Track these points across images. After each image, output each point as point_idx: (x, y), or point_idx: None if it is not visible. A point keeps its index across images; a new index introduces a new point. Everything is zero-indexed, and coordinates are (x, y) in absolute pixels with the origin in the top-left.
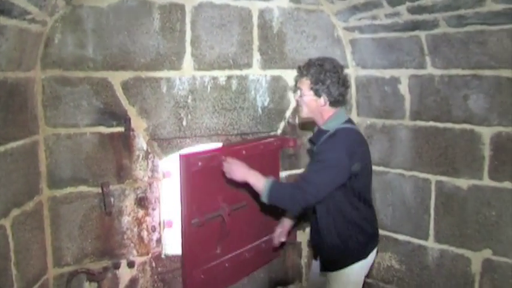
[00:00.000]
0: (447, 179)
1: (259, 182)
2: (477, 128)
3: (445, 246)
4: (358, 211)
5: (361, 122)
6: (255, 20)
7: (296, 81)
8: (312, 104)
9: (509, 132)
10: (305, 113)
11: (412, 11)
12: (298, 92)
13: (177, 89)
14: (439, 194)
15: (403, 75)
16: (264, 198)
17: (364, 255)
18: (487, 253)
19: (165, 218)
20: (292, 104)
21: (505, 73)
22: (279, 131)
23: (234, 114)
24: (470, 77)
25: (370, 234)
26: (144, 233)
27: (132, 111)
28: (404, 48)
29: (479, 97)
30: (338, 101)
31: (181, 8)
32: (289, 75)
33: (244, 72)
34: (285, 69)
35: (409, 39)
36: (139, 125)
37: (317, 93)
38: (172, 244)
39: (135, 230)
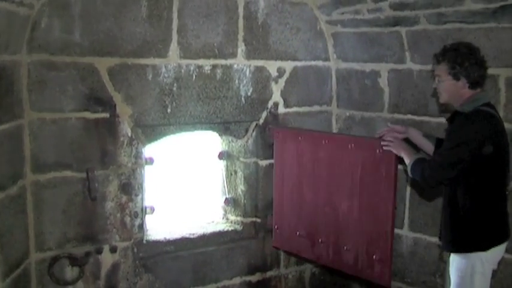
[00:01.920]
0: None
1: (409, 157)
2: None
3: (418, 235)
4: (492, 196)
5: (341, 113)
6: (241, 11)
7: (433, 70)
8: (451, 89)
9: None
10: (444, 98)
11: (394, 7)
12: (437, 79)
13: (163, 76)
14: (414, 184)
15: (383, 69)
16: (409, 173)
17: (487, 246)
18: None
19: (147, 204)
20: (275, 94)
21: None
22: (261, 121)
23: (218, 103)
24: None
25: (500, 222)
26: (127, 219)
27: (117, 98)
28: (385, 43)
29: None
30: (477, 82)
31: None
32: (273, 66)
33: (228, 61)
34: (268, 60)
35: (390, 34)
36: (124, 111)
37: (456, 77)
38: (155, 230)
39: (118, 215)
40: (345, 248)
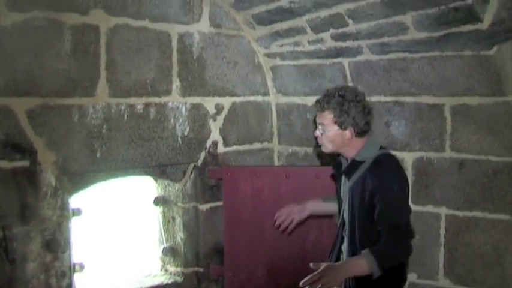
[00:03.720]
0: None
1: (359, 267)
2: (400, 154)
3: None
4: None
5: (283, 150)
6: (175, 45)
7: (315, 117)
8: (336, 139)
9: (430, 157)
10: (329, 148)
11: (336, 38)
12: (320, 127)
13: (90, 117)
14: None
15: None
16: (377, 273)
17: (404, 281)
18: (413, 277)
19: (76, 261)
20: (214, 133)
21: (425, 99)
22: (200, 162)
23: (153, 145)
24: (392, 104)
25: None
26: (53, 280)
27: (38, 143)
28: (326, 75)
29: (401, 123)
30: (365, 131)
31: (96, 29)
32: (210, 103)
33: (163, 99)
34: (205, 96)
35: (331, 66)
36: (47, 158)
37: (342, 126)
38: None
39: (42, 277)
40: None
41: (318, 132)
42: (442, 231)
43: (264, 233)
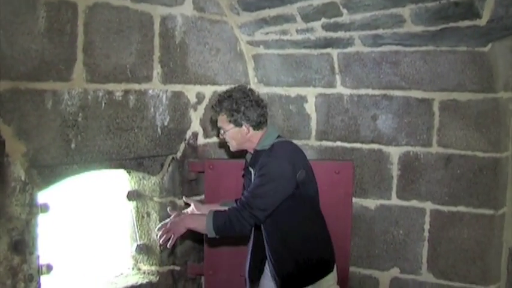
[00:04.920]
0: (355, 199)
1: (200, 221)
2: (385, 148)
3: (352, 268)
4: (311, 221)
5: None
6: (157, 28)
7: (216, 122)
8: (237, 136)
9: (416, 152)
10: (234, 147)
11: (327, 27)
12: (221, 130)
13: (65, 104)
14: None
15: (310, 93)
16: (212, 233)
17: (331, 267)
18: (395, 272)
19: (42, 262)
20: (194, 123)
21: (414, 94)
22: (179, 154)
23: (131, 135)
24: (380, 97)
25: (329, 244)
26: (20, 285)
27: (7, 132)
28: (313, 66)
29: (388, 117)
30: (260, 122)
31: (73, 6)
32: (191, 91)
33: (143, 86)
34: (186, 84)
35: (319, 56)
36: (16, 149)
37: (237, 123)
38: None
39: (9, 282)
40: None
41: (220, 135)
42: (427, 226)
43: None
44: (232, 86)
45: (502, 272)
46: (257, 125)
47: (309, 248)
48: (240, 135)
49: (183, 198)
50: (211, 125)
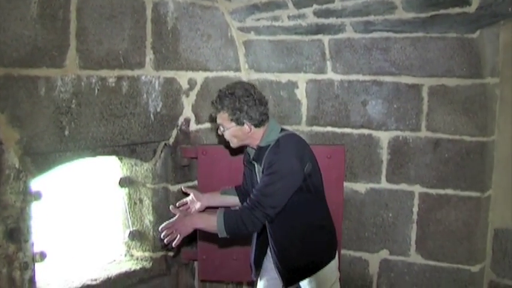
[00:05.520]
0: (345, 183)
1: (210, 221)
2: (375, 133)
3: (343, 251)
4: (317, 210)
5: None
6: (149, 13)
7: (215, 118)
8: (238, 134)
9: (406, 136)
10: (235, 144)
11: (318, 14)
12: (220, 127)
13: (59, 91)
14: None
15: (301, 79)
16: (223, 233)
17: (333, 255)
18: (384, 253)
19: (36, 250)
20: (186, 109)
21: (404, 79)
22: (171, 140)
23: (124, 122)
24: (371, 83)
25: (332, 231)
26: (16, 273)
27: (0, 119)
28: (304, 52)
29: (378, 102)
30: (262, 120)
31: None
32: (183, 78)
33: (136, 72)
34: (179, 70)
35: (310, 42)
36: (9, 136)
37: (239, 122)
38: (48, 281)
39: (5, 271)
40: None
41: (220, 132)
42: (415, 209)
43: None
44: (233, 82)
45: (488, 252)
46: (259, 124)
47: (313, 238)
48: (241, 133)
49: (182, 187)
50: (204, 113)
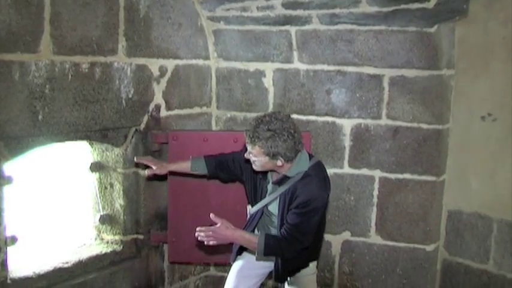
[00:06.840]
0: None
1: (251, 242)
2: (339, 120)
3: None
4: (320, 230)
5: (221, 115)
6: (122, 1)
7: (245, 143)
8: (268, 165)
9: (367, 124)
10: (260, 169)
11: (286, 6)
12: (251, 155)
13: (33, 76)
14: None
15: (268, 68)
16: (260, 255)
17: (316, 258)
18: (346, 235)
19: (8, 234)
20: (157, 96)
21: (366, 70)
22: (142, 125)
23: (97, 107)
24: (335, 73)
25: (321, 240)
26: None
27: None
28: (272, 42)
29: (342, 91)
30: (295, 156)
31: None
32: (154, 65)
33: (108, 59)
34: (150, 57)
35: (278, 33)
36: None
37: (271, 157)
38: (20, 264)
39: None
40: None
41: (247, 156)
42: (376, 193)
43: (209, 198)
44: (270, 112)
45: (441, 232)
46: (291, 159)
47: (305, 250)
48: (272, 165)
49: (135, 158)
50: (174, 100)
